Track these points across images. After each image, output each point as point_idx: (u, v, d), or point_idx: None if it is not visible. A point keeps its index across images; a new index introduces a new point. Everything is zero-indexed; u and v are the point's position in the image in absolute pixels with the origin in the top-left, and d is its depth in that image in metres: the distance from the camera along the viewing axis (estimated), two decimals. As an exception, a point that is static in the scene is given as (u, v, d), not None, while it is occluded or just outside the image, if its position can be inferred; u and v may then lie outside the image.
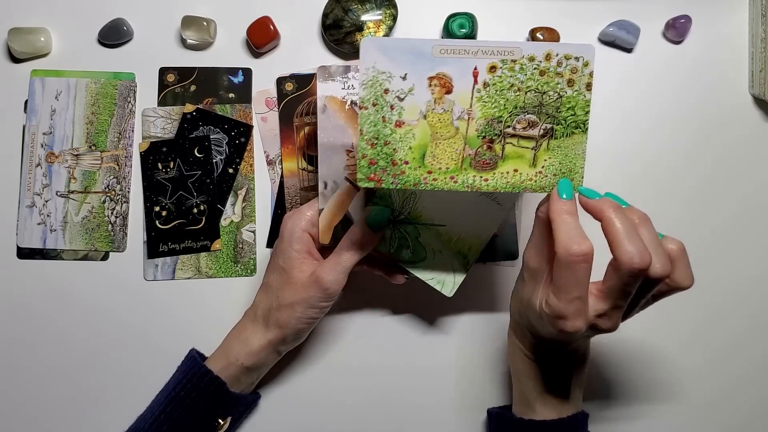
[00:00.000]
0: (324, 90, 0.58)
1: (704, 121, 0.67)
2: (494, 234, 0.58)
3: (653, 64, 0.67)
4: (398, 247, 0.57)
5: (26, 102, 0.66)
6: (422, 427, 0.65)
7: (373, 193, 0.57)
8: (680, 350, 0.66)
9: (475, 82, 0.47)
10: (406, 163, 0.49)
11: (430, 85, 0.47)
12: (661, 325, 0.65)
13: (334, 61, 0.66)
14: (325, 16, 0.65)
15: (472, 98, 0.48)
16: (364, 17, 0.64)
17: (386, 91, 0.47)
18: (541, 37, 0.64)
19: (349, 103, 0.58)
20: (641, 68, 0.67)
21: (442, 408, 0.65)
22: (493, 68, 0.47)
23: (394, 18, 0.65)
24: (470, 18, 0.64)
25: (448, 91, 0.48)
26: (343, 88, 0.58)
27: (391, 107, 0.48)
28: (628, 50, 0.67)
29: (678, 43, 0.67)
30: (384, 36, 0.64)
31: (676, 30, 0.66)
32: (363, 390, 0.65)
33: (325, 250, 0.57)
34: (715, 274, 0.65)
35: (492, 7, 0.67)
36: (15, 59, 0.66)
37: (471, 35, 0.64)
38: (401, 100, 0.48)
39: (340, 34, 0.65)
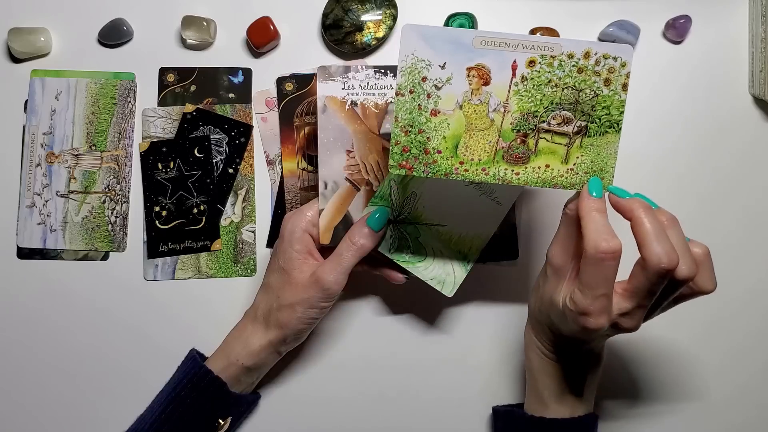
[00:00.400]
0: (324, 90, 0.58)
1: (704, 121, 0.67)
2: (494, 234, 0.58)
3: (653, 64, 0.67)
4: (398, 247, 0.57)
5: (26, 102, 0.66)
6: (422, 428, 0.65)
7: (373, 192, 0.57)
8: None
9: (514, 75, 0.48)
10: (439, 152, 0.49)
11: (468, 76, 0.47)
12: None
13: (334, 61, 0.66)
14: (325, 16, 0.65)
15: (509, 91, 0.48)
16: (364, 17, 0.64)
17: (424, 78, 0.47)
18: (541, 37, 0.65)
19: (349, 103, 0.58)
20: (641, 68, 0.67)
21: (441, 408, 0.65)
22: (532, 63, 0.47)
23: (394, 18, 0.65)
24: (470, 18, 0.64)
25: (486, 83, 0.48)
26: (343, 88, 0.58)
27: (428, 95, 0.48)
28: (628, 50, 0.67)
29: (678, 43, 0.67)
30: (384, 36, 0.64)
31: (676, 30, 0.66)
32: (363, 390, 0.65)
33: (326, 251, 0.57)
34: (718, 272, 0.65)
35: (492, 7, 0.67)
36: (15, 59, 0.66)
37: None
38: (438, 88, 0.48)
39: (340, 34, 0.65)
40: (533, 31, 0.65)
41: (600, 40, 0.66)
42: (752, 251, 0.66)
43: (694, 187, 0.66)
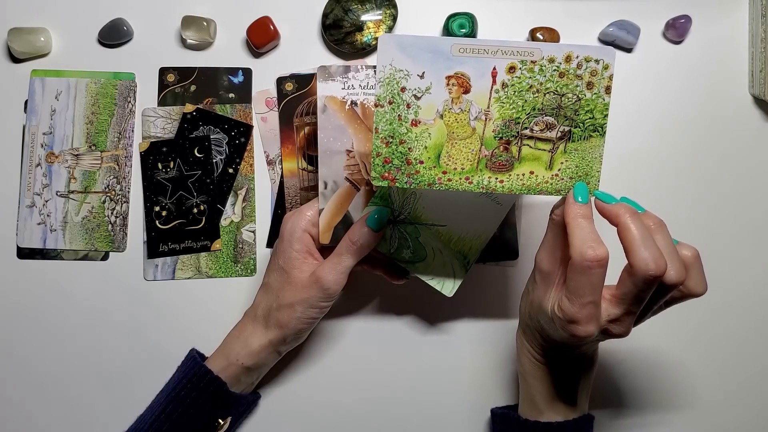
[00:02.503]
0: (324, 90, 0.58)
1: (704, 122, 0.67)
2: (494, 234, 0.58)
3: (653, 65, 0.67)
4: (398, 247, 0.57)
5: (26, 102, 0.66)
6: (422, 428, 0.65)
7: (373, 192, 0.57)
8: (688, 354, 0.65)
9: (494, 82, 0.47)
10: (421, 162, 0.48)
11: (448, 84, 0.47)
12: (668, 329, 0.65)
13: (334, 61, 0.66)
14: (325, 16, 0.65)
15: (490, 99, 0.47)
16: (364, 17, 0.64)
17: (403, 89, 0.47)
18: (541, 37, 0.64)
19: (349, 103, 0.58)
20: (641, 68, 0.67)
21: (442, 408, 0.65)
22: (512, 69, 0.47)
23: (394, 18, 0.65)
24: (470, 18, 0.64)
25: (466, 91, 0.47)
26: (343, 88, 0.58)
27: (408, 106, 0.47)
28: (628, 50, 0.67)
29: (678, 43, 0.67)
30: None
31: (676, 30, 0.66)
32: (363, 390, 0.65)
33: (326, 250, 0.57)
34: (718, 275, 0.65)
35: (492, 7, 0.67)
36: (15, 59, 0.66)
37: (471, 35, 0.64)
38: (418, 98, 0.47)
39: (340, 34, 0.65)
40: (533, 31, 0.65)
41: (600, 40, 0.66)
42: (752, 252, 0.66)
43: (694, 187, 0.66)
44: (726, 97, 0.67)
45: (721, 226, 0.66)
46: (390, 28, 0.65)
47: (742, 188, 0.66)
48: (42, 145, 0.65)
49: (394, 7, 0.65)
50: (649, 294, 0.45)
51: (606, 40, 0.66)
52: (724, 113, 0.67)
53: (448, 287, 0.58)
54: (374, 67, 0.58)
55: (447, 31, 0.64)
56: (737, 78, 0.67)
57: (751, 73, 0.67)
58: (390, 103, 0.47)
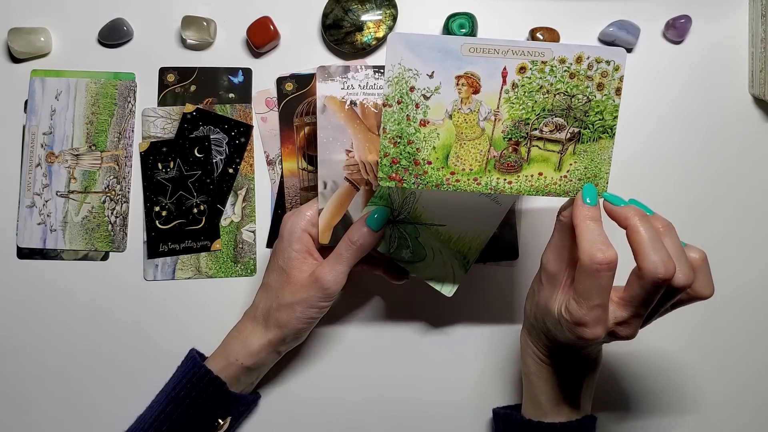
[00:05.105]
0: (324, 90, 0.58)
1: (704, 122, 0.67)
2: (494, 234, 0.58)
3: (653, 65, 0.67)
4: (398, 246, 0.57)
5: (26, 102, 0.66)
6: (423, 428, 0.65)
7: (373, 192, 0.57)
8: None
9: (504, 82, 0.47)
10: (429, 163, 0.48)
11: (458, 84, 0.47)
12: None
13: (334, 61, 0.66)
14: (325, 16, 0.65)
15: (499, 99, 0.47)
16: (364, 17, 0.64)
17: (412, 89, 0.47)
18: (541, 38, 0.64)
19: (348, 103, 0.58)
20: (641, 68, 0.67)
21: (441, 408, 0.65)
22: (522, 69, 0.46)
23: (394, 18, 0.65)
24: (470, 18, 0.64)
25: (476, 91, 0.47)
26: (342, 88, 0.58)
27: (416, 105, 0.47)
28: (628, 50, 0.67)
29: (678, 43, 0.67)
30: (384, 36, 0.64)
31: (676, 30, 0.66)
32: (362, 390, 0.65)
33: (325, 250, 0.57)
34: (718, 276, 0.65)
35: (492, 7, 0.67)
36: (15, 59, 0.66)
37: (471, 35, 0.64)
38: (427, 98, 0.47)
39: (340, 34, 0.65)
40: (533, 31, 0.65)
41: (600, 40, 0.66)
42: (754, 253, 0.66)
43: (694, 188, 0.66)
44: (726, 97, 0.67)
45: (721, 226, 0.66)
46: (390, 28, 0.65)
47: (743, 188, 0.66)
48: (42, 145, 0.66)
49: (394, 7, 0.65)
50: (657, 297, 0.45)
51: (606, 40, 0.66)
52: (724, 113, 0.67)
53: (447, 287, 0.58)
54: (374, 67, 0.58)
55: (447, 31, 0.64)
56: (737, 78, 0.67)
57: (751, 73, 0.66)
58: (399, 102, 0.47)
